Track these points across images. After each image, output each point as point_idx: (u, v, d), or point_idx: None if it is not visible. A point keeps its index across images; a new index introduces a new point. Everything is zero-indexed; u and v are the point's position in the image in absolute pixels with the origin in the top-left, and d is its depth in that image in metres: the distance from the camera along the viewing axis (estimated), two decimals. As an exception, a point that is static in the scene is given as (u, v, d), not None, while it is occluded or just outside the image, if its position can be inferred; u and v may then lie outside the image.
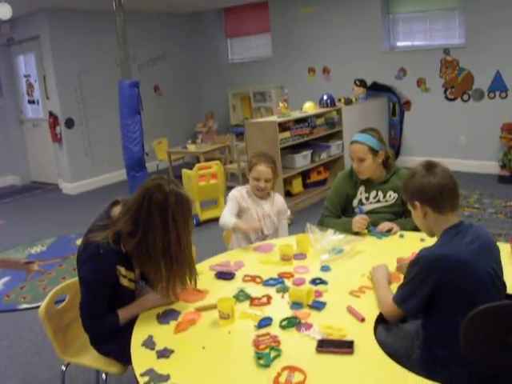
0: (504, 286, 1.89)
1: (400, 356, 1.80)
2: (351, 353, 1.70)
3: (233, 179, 7.28)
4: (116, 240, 2.04)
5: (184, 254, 2.08)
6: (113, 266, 2.06)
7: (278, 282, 2.30)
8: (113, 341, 2.14)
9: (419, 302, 1.83)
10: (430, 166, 1.91)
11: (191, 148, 7.42)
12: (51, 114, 7.69)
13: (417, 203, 1.91)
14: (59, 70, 7.54)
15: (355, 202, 3.04)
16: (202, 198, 5.79)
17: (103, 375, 2.26)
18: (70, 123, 7.76)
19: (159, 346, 1.84)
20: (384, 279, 2.13)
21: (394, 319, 1.96)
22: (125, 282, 2.12)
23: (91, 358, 2.31)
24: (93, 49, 7.93)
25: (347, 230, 2.82)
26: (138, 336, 1.93)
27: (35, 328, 3.59)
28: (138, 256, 2.07)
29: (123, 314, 2.13)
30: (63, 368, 2.39)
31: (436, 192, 1.85)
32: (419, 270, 1.80)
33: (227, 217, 2.91)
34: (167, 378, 1.64)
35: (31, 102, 8.45)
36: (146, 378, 1.65)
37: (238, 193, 3.07)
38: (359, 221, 2.84)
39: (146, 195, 2.02)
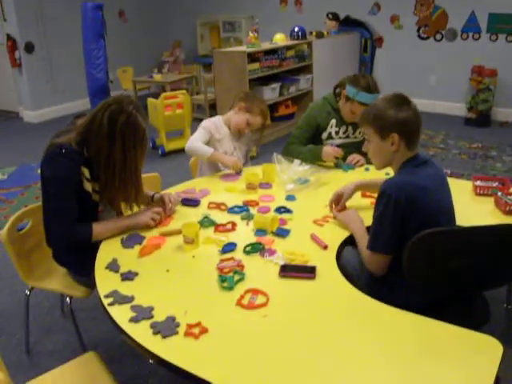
0: (455, 216, 1.96)
1: (351, 276, 1.85)
2: (313, 278, 1.74)
3: (199, 110, 7.16)
4: (79, 143, 2.03)
5: (129, 175, 2.07)
6: (76, 165, 2.02)
7: (242, 210, 2.31)
8: (78, 253, 2.11)
9: (393, 236, 1.78)
10: (406, 100, 1.89)
11: (157, 77, 7.20)
12: (9, 37, 7.28)
13: (395, 135, 1.86)
14: (18, -11, 7.08)
15: (324, 135, 3.02)
16: (168, 128, 5.68)
17: (67, 299, 2.27)
18: (29, 48, 7.37)
19: (123, 269, 1.84)
20: (361, 228, 2.03)
21: (380, 269, 1.85)
22: (88, 186, 2.07)
23: (55, 282, 2.31)
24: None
25: (314, 157, 2.82)
26: (102, 259, 1.93)
27: (-3, 255, 3.54)
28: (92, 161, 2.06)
29: (97, 228, 2.07)
30: (27, 292, 2.39)
31: (416, 127, 1.89)
32: (387, 201, 1.78)
33: (200, 144, 2.79)
34: (131, 299, 1.65)
35: (-13, 23, 7.96)
36: (110, 299, 1.66)
37: (213, 124, 2.93)
38: (331, 152, 2.82)
39: (106, 104, 2.03)
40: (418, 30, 7.05)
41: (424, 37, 7.03)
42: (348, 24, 7.39)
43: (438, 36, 6.92)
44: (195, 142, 2.82)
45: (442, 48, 6.93)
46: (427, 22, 6.95)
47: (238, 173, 2.78)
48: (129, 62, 8.43)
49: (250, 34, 5.66)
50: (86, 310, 2.76)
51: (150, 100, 5.65)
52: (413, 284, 1.78)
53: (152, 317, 1.55)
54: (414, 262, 1.71)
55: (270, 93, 5.97)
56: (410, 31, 7.12)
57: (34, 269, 2.37)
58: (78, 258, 2.12)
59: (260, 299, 1.63)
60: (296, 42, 6.23)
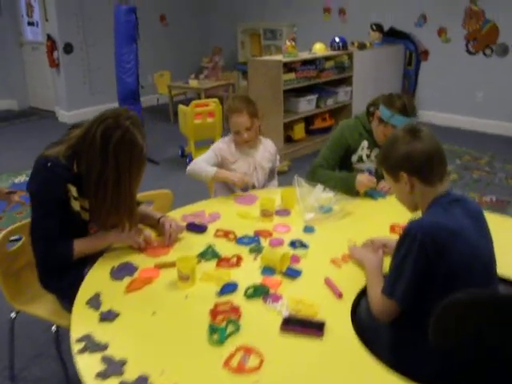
0: (495, 264, 1.67)
1: (368, 332, 1.58)
2: (320, 336, 1.46)
3: (234, 120, 6.93)
4: (70, 157, 1.86)
5: (123, 197, 1.87)
6: (62, 182, 1.85)
7: (252, 241, 2.05)
8: (62, 277, 1.96)
9: (412, 286, 1.53)
10: (414, 131, 1.67)
11: (193, 83, 7.04)
12: (49, 38, 7.29)
13: (403, 174, 1.65)
14: (59, -11, 7.04)
15: (354, 158, 2.74)
16: (197, 136, 5.46)
17: (53, 327, 2.06)
18: (68, 48, 7.36)
19: (104, 307, 1.60)
20: (377, 270, 1.77)
21: (387, 318, 1.61)
22: (76, 205, 1.89)
23: (43, 308, 2.13)
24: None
25: (348, 186, 2.50)
26: (84, 292, 1.70)
27: None
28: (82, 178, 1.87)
29: (79, 245, 1.92)
30: (13, 315, 2.19)
31: (425, 159, 1.62)
32: (411, 243, 1.52)
33: (202, 165, 2.56)
34: (104, 347, 1.42)
35: (31, 23, 8.00)
36: (81, 345, 1.43)
37: (225, 145, 2.69)
38: (366, 183, 2.51)
39: (103, 116, 1.84)
40: (467, 45, 6.63)
41: (472, 51, 6.61)
42: (392, 35, 7.04)
43: (488, 51, 6.47)
44: (198, 162, 2.59)
45: (491, 63, 6.49)
46: (476, 36, 6.52)
47: (247, 189, 2.56)
48: (167, 65, 8.30)
49: (287, 43, 5.42)
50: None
51: (181, 107, 5.46)
52: (441, 352, 1.48)
53: (122, 373, 1.31)
54: (442, 330, 1.40)
55: (306, 104, 5.72)
56: (457, 45, 6.70)
57: (23, 290, 2.17)
58: (62, 283, 1.93)
59: (252, 361, 1.36)
60: (336, 52, 5.95)
